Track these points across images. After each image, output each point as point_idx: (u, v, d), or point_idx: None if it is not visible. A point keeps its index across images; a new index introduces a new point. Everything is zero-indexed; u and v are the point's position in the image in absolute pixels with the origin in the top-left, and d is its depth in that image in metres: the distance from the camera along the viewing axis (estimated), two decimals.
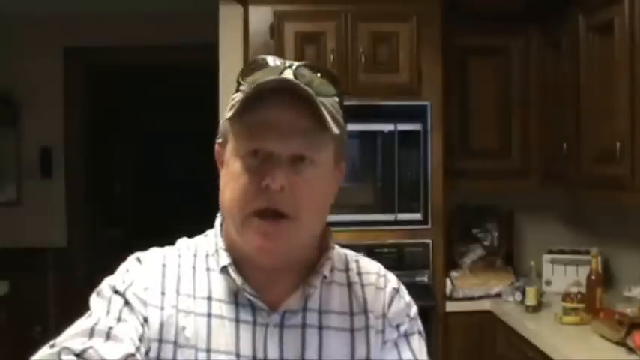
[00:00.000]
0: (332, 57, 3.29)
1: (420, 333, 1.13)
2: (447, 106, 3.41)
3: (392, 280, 1.14)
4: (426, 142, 3.35)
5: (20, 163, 4.82)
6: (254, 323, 1.03)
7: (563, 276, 3.46)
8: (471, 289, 3.48)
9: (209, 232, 1.13)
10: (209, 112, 4.00)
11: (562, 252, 3.58)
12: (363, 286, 1.11)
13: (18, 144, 4.81)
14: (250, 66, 1.02)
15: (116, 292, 1.03)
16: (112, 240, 5.66)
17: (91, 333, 0.95)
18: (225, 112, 1.02)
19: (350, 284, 1.11)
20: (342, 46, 3.31)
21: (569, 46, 3.17)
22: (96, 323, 0.97)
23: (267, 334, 1.03)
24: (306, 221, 1.00)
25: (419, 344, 1.11)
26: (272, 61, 1.01)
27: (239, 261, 1.05)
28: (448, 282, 3.45)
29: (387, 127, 3.33)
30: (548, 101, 3.50)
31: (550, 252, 3.60)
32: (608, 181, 2.82)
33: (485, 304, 3.42)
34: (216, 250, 1.07)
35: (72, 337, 0.95)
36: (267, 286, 1.04)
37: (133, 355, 0.95)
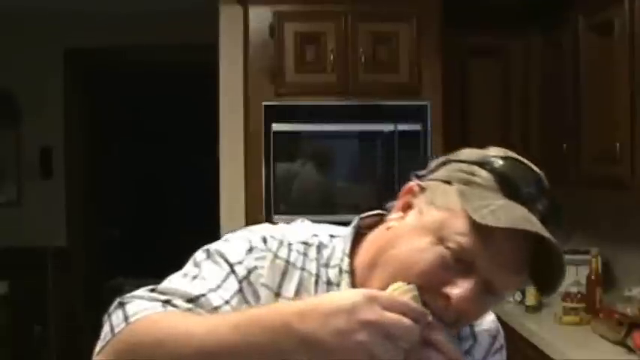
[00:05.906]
0: (332, 57, 3.28)
1: None
2: (447, 106, 3.41)
3: (501, 334, 1.15)
4: (426, 142, 3.34)
5: (20, 163, 4.82)
6: None
7: None
8: None
9: (336, 235, 1.05)
10: (209, 112, 4.00)
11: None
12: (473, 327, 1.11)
13: (18, 144, 4.82)
14: (506, 173, 1.01)
15: (233, 271, 0.97)
16: (112, 240, 5.66)
17: (196, 303, 0.92)
18: (462, 197, 0.97)
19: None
20: (342, 46, 3.30)
21: (569, 46, 3.17)
22: (203, 295, 0.93)
23: None
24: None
25: None
26: (526, 187, 0.98)
27: (359, 282, 0.99)
28: None
29: (387, 127, 3.32)
30: (548, 101, 3.49)
31: None
32: (608, 181, 2.82)
33: None
34: (340, 272, 1.00)
35: (175, 292, 0.93)
36: None
37: None
